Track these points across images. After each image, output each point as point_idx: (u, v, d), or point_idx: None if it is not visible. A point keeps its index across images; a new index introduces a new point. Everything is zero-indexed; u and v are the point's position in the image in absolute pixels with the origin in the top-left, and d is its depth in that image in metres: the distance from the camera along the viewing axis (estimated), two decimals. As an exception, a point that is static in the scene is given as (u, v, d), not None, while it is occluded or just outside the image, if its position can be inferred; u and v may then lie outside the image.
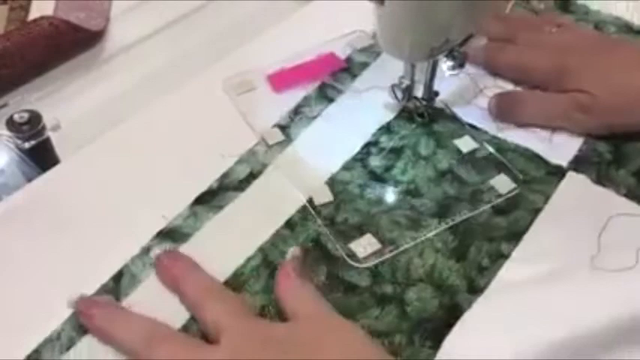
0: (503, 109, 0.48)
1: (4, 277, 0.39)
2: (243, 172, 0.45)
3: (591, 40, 0.50)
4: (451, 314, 0.37)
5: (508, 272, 0.39)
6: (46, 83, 0.51)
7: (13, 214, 0.42)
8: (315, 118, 0.48)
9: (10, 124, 0.43)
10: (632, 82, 0.45)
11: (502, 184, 0.44)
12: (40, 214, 0.42)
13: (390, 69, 0.49)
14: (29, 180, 0.44)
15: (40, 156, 0.44)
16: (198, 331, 0.36)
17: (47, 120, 0.44)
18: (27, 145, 0.43)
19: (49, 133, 0.44)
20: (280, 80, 0.50)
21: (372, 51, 0.53)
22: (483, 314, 0.37)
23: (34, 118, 0.43)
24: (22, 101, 0.46)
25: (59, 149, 0.45)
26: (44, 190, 0.43)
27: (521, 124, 0.47)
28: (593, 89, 0.45)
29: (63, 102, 0.49)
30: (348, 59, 0.52)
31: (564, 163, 0.45)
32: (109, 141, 0.46)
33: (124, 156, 0.45)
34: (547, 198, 0.43)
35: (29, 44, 0.49)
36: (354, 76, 0.51)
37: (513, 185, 0.43)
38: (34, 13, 0.55)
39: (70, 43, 0.52)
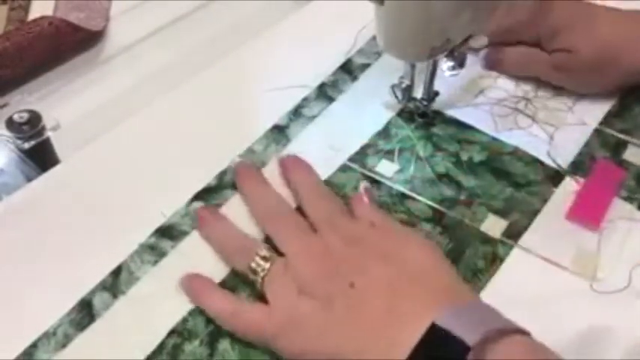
0: (489, 59, 0.50)
1: (4, 276, 0.39)
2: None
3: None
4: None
5: (503, 275, 0.39)
6: (46, 83, 0.50)
7: (13, 214, 0.42)
8: (314, 118, 0.48)
9: (10, 124, 0.43)
10: (616, 33, 0.46)
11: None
12: (40, 214, 0.42)
13: (390, 69, 0.49)
14: (29, 180, 0.44)
15: (40, 156, 0.44)
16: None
17: (47, 120, 0.44)
18: (27, 145, 0.43)
19: (49, 133, 0.44)
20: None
21: (372, 51, 0.53)
22: None
23: (34, 118, 0.44)
24: (22, 101, 0.46)
25: (59, 149, 0.45)
26: (44, 190, 0.43)
27: (507, 74, 0.50)
28: (576, 47, 0.46)
29: (63, 102, 0.49)
30: (349, 60, 0.52)
31: (563, 167, 0.45)
32: (109, 141, 0.46)
33: (124, 156, 0.46)
34: (545, 201, 0.43)
35: (29, 44, 0.49)
36: (355, 77, 0.51)
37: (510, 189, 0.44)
38: (34, 13, 0.55)
39: (70, 43, 0.51)
